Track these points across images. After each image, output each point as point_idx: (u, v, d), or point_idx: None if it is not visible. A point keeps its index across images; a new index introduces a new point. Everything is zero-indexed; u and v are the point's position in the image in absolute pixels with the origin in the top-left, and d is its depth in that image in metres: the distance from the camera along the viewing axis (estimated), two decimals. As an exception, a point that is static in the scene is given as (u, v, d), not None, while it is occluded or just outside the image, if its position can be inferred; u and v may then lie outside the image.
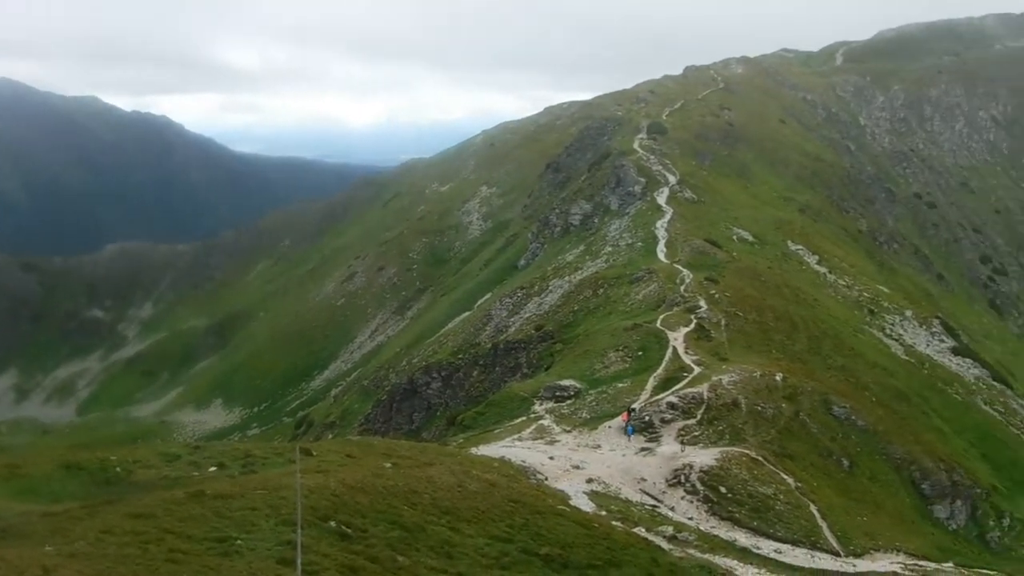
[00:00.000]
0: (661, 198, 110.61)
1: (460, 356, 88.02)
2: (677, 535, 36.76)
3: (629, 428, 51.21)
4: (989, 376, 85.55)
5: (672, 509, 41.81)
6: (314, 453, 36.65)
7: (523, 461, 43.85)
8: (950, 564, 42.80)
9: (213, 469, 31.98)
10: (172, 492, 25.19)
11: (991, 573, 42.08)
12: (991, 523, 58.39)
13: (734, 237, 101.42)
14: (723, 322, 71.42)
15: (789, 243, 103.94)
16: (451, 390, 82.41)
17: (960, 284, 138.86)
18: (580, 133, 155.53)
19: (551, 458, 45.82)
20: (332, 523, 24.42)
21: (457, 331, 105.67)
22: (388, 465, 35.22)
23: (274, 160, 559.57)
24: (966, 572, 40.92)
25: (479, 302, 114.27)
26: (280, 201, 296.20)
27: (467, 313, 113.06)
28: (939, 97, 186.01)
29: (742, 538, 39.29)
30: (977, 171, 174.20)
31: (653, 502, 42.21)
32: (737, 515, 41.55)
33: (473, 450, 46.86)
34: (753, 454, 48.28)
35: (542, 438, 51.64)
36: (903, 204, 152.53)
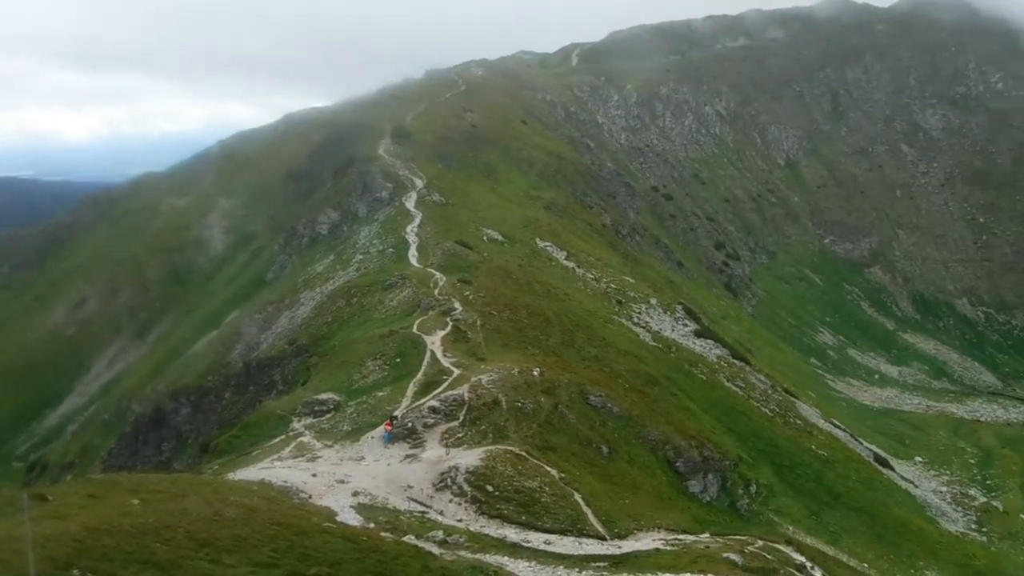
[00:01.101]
0: (409, 202, 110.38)
1: (210, 378, 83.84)
2: (447, 539, 36.36)
3: (386, 436, 50.37)
4: (729, 355, 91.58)
5: (441, 513, 41.39)
6: (50, 498, 33.04)
7: (284, 481, 41.94)
8: (706, 534, 45.05)
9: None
10: None
11: (742, 537, 44.53)
12: (740, 492, 62.33)
13: (484, 237, 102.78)
14: (479, 322, 71.93)
15: (537, 240, 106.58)
16: (202, 415, 78.30)
17: (698, 270, 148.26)
18: (323, 140, 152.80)
19: (314, 475, 44.16)
20: (75, 571, 21.95)
21: (205, 352, 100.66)
22: (136, 501, 32.36)
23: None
24: (720, 540, 43.16)
25: (227, 320, 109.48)
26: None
27: (215, 332, 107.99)
28: (669, 95, 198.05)
29: (512, 534, 39.44)
30: (707, 163, 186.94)
31: (422, 508, 41.60)
32: (505, 512, 41.71)
33: (230, 476, 44.34)
34: (517, 450, 48.71)
35: (303, 455, 49.73)
36: (642, 197, 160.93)
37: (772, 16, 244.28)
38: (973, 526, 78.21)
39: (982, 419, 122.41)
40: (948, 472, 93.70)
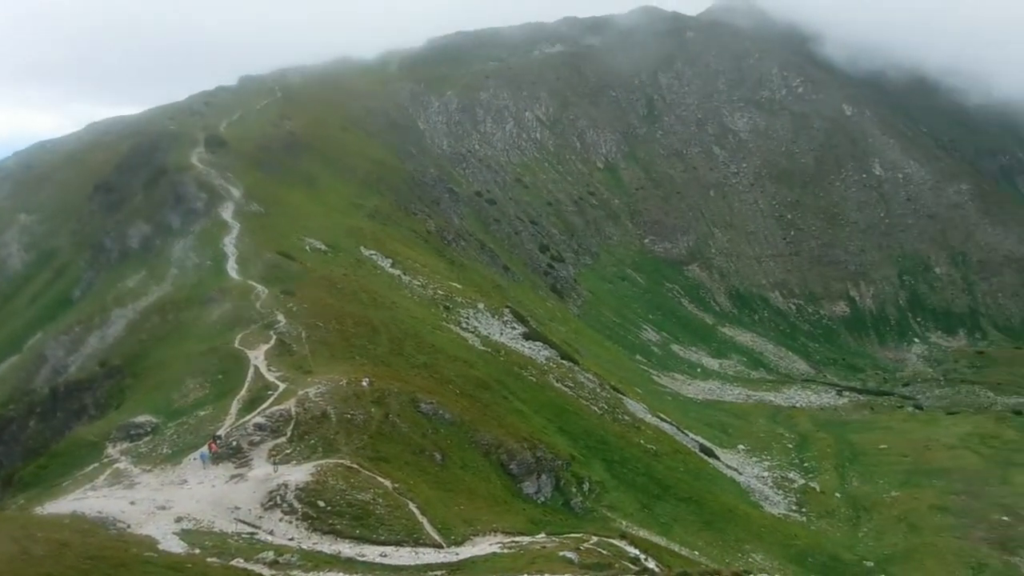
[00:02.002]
0: (226, 213, 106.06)
1: (11, 407, 77.70)
2: (279, 559, 35.04)
3: (202, 455, 48.00)
4: (558, 356, 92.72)
5: (271, 533, 39.80)
6: None
7: (99, 512, 39.23)
8: (543, 535, 45.20)
9: None
10: None
11: (577, 535, 44.88)
12: (573, 490, 62.96)
13: (307, 247, 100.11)
14: (304, 335, 69.85)
15: (362, 249, 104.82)
16: (4, 446, 72.42)
17: (524, 273, 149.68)
18: (131, 150, 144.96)
19: (132, 503, 41.51)
20: None
21: (5, 378, 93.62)
22: (-75, 546, 29.37)
23: None
24: (556, 539, 43.35)
25: (29, 343, 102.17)
26: None
27: (16, 357, 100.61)
28: (489, 100, 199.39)
29: (346, 549, 38.55)
30: (529, 167, 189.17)
31: (251, 529, 39.85)
32: (339, 527, 40.59)
33: (38, 510, 41.13)
34: (348, 463, 47.45)
35: (120, 483, 46.69)
36: (466, 203, 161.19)
37: (587, 24, 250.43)
38: (794, 507, 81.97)
39: (798, 405, 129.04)
40: (769, 458, 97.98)
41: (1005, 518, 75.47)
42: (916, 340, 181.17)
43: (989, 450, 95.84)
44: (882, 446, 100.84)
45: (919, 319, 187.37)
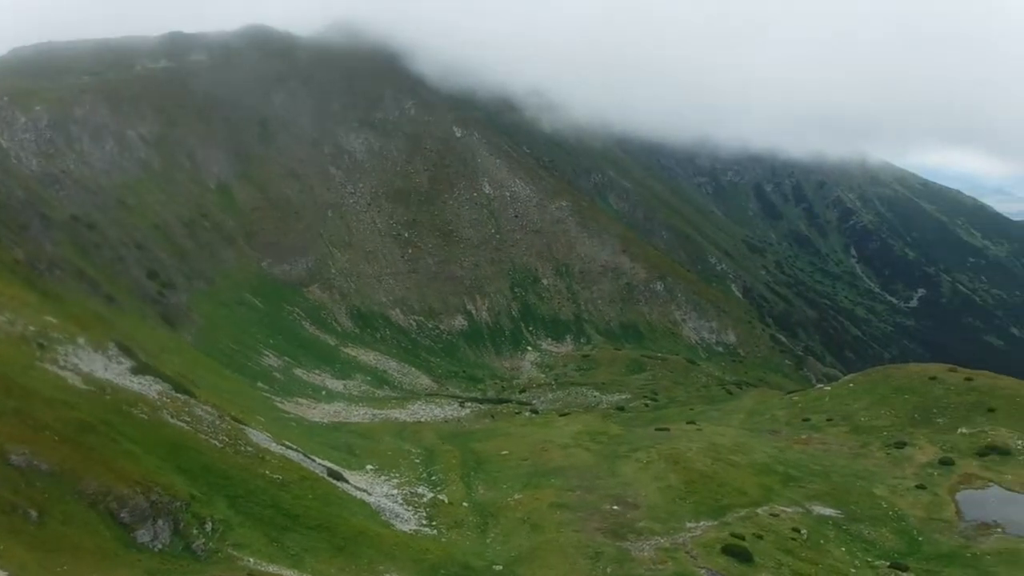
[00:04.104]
0: None
1: None
2: None
3: None
4: (172, 389, 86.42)
5: None
6: None
7: None
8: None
9: None
10: None
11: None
12: (195, 532, 58.57)
13: None
14: None
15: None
16: None
17: (131, 302, 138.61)
18: None
19: None
20: None
21: None
22: None
23: None
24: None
25: None
26: None
27: None
28: (85, 117, 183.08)
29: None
30: (133, 189, 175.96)
31: None
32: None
33: None
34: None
35: None
36: (61, 228, 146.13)
37: (194, 40, 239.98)
38: (424, 522, 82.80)
39: (423, 420, 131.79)
40: (398, 475, 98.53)
41: (615, 507, 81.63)
42: (529, 348, 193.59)
43: (598, 445, 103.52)
44: (504, 452, 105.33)
45: (531, 328, 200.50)
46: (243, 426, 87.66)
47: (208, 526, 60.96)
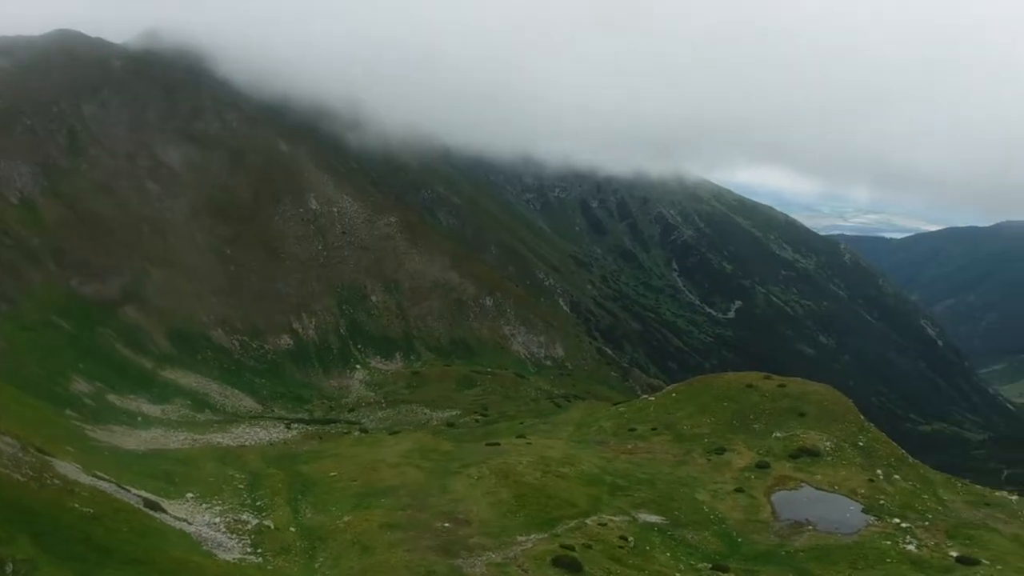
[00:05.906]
0: None
1: None
2: None
3: None
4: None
5: None
6: None
7: None
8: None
9: None
10: None
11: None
12: (-9, 578, 53.87)
13: None
14: None
15: None
16: None
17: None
18: None
19: None
20: None
21: None
22: None
23: None
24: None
25: None
26: None
27: None
28: None
29: None
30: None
31: None
32: None
33: None
34: None
35: None
36: None
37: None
38: (248, 550, 79.20)
39: (247, 444, 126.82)
40: (220, 502, 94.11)
41: (447, 524, 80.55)
42: (358, 366, 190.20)
43: (429, 463, 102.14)
44: (332, 473, 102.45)
45: (360, 346, 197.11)
46: (49, 457, 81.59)
47: (9, 568, 55.97)
